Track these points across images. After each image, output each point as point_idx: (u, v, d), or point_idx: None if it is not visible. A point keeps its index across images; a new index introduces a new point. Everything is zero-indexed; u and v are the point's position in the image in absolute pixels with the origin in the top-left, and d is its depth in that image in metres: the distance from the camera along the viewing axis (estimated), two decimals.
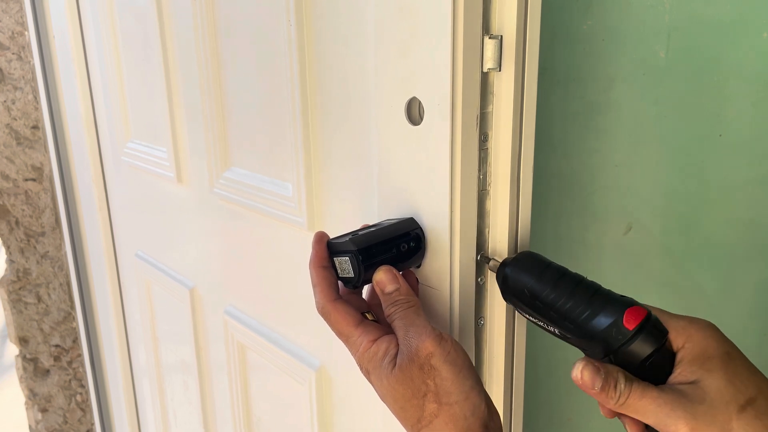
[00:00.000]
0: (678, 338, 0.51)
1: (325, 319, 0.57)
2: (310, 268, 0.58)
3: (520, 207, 0.60)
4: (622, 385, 0.49)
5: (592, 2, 1.01)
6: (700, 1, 0.92)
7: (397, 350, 0.54)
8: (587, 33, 1.02)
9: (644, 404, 0.48)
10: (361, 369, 0.57)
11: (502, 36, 0.56)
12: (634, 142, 1.02)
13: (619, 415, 0.53)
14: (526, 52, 0.57)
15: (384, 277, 0.57)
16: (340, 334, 0.57)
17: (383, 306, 0.57)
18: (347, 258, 0.56)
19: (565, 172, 1.04)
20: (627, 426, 0.54)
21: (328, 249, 0.59)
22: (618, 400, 0.49)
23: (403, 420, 0.54)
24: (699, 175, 0.98)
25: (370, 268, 0.56)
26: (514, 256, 0.57)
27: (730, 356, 0.49)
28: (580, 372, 0.50)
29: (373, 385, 0.56)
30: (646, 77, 0.99)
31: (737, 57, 0.92)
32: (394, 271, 0.57)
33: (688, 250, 1.01)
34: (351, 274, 0.56)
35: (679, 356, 0.51)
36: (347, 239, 0.56)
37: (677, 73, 0.96)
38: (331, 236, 0.59)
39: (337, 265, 0.57)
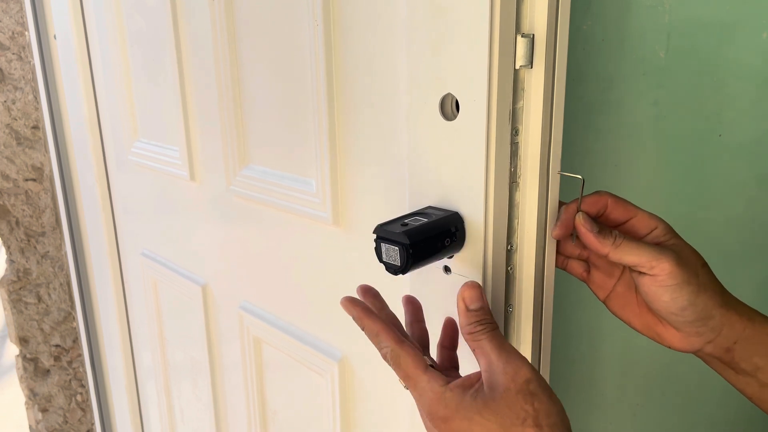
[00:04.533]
0: (650, 222, 0.64)
1: (393, 363, 0.56)
2: (363, 321, 0.57)
3: (549, 199, 0.63)
4: (617, 232, 0.61)
5: (591, 2, 1.02)
6: (700, 1, 0.94)
7: (480, 382, 0.54)
8: (587, 33, 1.04)
9: (636, 245, 0.60)
10: (432, 418, 0.54)
11: (533, 35, 0.58)
12: (634, 142, 1.03)
13: (567, 260, 0.68)
14: (556, 49, 0.59)
15: (470, 294, 0.56)
16: (407, 378, 0.56)
17: (463, 323, 0.56)
18: (397, 249, 0.58)
19: (565, 172, 1.06)
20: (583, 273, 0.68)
21: (378, 233, 0.60)
22: (615, 240, 0.60)
23: None
24: (699, 175, 1.00)
25: (416, 259, 0.58)
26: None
27: (682, 239, 0.64)
28: (581, 218, 0.61)
29: (453, 430, 0.53)
30: (646, 77, 1.00)
31: (737, 57, 0.93)
32: (480, 287, 0.57)
33: None
34: (397, 263, 0.58)
35: (654, 233, 0.64)
36: (400, 230, 0.58)
37: (677, 73, 0.97)
38: (356, 230, 0.60)
39: (383, 250, 0.59)
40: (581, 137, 1.07)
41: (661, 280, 0.59)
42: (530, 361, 0.66)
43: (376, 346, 0.57)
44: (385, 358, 0.57)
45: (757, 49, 0.92)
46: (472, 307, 0.56)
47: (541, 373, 0.68)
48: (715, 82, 0.96)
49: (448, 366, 0.62)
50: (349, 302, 0.58)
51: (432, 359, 0.59)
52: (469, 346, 0.56)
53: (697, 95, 0.97)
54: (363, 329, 0.58)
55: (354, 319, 0.58)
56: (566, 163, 1.05)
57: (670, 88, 0.99)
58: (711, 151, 0.98)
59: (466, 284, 0.57)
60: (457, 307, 0.57)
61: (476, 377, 0.54)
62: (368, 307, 0.59)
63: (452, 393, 0.53)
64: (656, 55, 0.99)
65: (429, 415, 0.54)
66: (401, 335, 0.57)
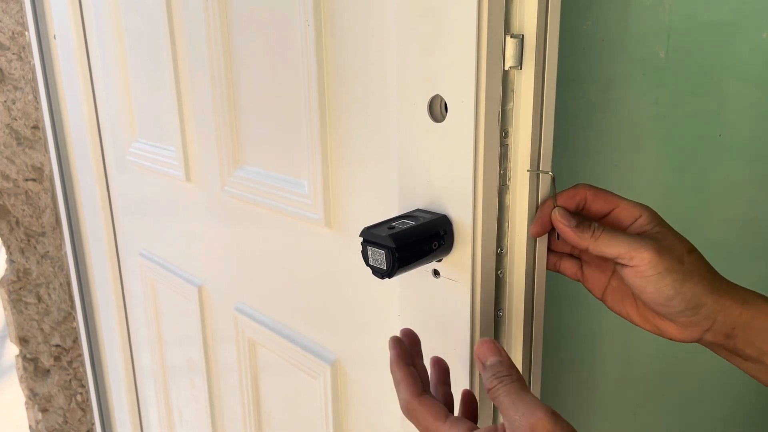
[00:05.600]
0: (634, 211, 0.62)
1: (410, 417, 0.55)
2: (392, 368, 0.56)
3: (539, 201, 0.62)
4: (596, 224, 0.59)
5: (592, 2, 1.02)
6: (700, 1, 0.93)
7: None
8: (587, 33, 1.03)
9: (615, 236, 0.58)
10: None
11: (523, 35, 0.58)
12: (634, 142, 1.03)
13: (559, 261, 0.67)
14: (546, 50, 0.59)
15: (485, 349, 0.54)
16: (426, 431, 0.54)
17: (484, 379, 0.54)
18: (383, 252, 0.57)
19: (565, 172, 1.05)
20: (566, 269, 0.67)
21: (364, 237, 0.60)
22: (593, 233, 0.59)
23: None
24: (699, 175, 0.99)
25: (403, 263, 0.58)
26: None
27: (669, 226, 0.62)
28: (557, 214, 0.60)
29: None
30: (645, 77, 1.00)
31: (737, 57, 0.93)
32: (495, 342, 0.55)
33: None
34: (383, 267, 0.58)
35: (638, 222, 0.62)
36: (386, 234, 0.57)
37: (677, 73, 0.97)
38: (347, 231, 0.60)
39: (370, 254, 0.59)
40: (581, 137, 1.07)
41: (641, 271, 0.57)
42: (521, 366, 0.66)
43: (398, 395, 0.56)
44: (403, 410, 0.56)
45: (757, 49, 0.91)
46: (488, 362, 0.53)
47: (532, 376, 0.68)
48: (715, 82, 0.95)
49: (448, 401, 0.61)
50: (393, 344, 0.58)
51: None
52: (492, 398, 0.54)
53: (697, 95, 0.97)
54: (391, 373, 0.57)
55: (390, 359, 0.58)
56: (566, 163, 1.05)
57: (670, 88, 0.98)
58: (711, 151, 0.98)
59: (479, 342, 0.55)
60: (476, 365, 0.55)
61: (502, 429, 0.51)
62: (404, 354, 0.58)
63: None
64: (656, 55, 0.99)
65: None
66: (420, 388, 0.55)
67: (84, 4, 1.34)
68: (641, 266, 0.57)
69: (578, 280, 0.67)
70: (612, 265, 0.64)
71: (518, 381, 0.52)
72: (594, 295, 0.67)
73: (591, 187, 0.63)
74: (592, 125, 1.06)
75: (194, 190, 1.08)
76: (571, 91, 1.05)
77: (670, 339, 0.62)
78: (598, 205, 0.63)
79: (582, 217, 0.62)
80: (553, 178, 0.61)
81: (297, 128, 0.82)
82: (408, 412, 0.55)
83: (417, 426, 0.55)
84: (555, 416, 0.49)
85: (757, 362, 0.60)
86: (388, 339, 0.59)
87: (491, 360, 0.53)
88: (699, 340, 0.61)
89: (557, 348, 1.15)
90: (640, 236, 0.59)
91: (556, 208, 0.61)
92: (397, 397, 0.56)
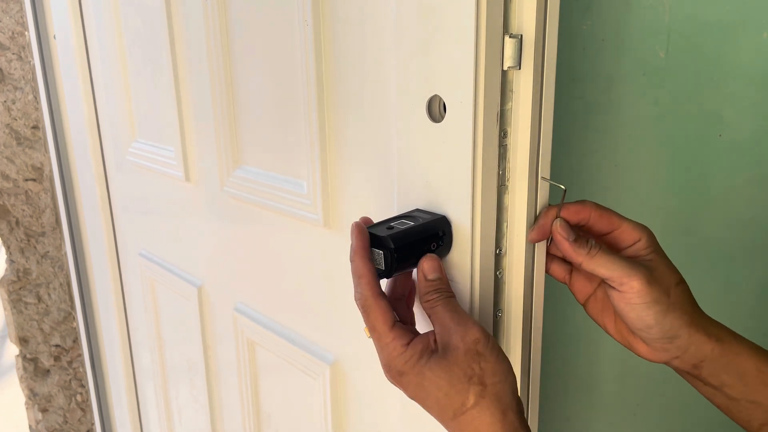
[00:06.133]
0: (634, 234, 0.63)
1: (363, 311, 0.58)
2: (354, 258, 0.58)
3: (539, 202, 0.62)
4: (593, 242, 0.60)
5: (592, 2, 1.02)
6: (700, 1, 0.93)
7: (435, 344, 0.57)
8: (587, 33, 1.03)
9: (610, 259, 0.60)
10: (389, 371, 0.57)
11: (522, 35, 0.58)
12: (634, 142, 1.03)
13: (550, 263, 0.67)
14: (545, 50, 0.59)
15: (429, 265, 0.58)
16: (373, 329, 0.58)
17: (421, 292, 0.59)
18: (382, 253, 0.57)
19: (565, 172, 1.05)
20: (554, 271, 0.68)
21: None
22: (590, 251, 0.60)
23: (444, 407, 0.55)
24: (699, 175, 0.99)
25: (401, 263, 0.58)
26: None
27: (664, 253, 0.63)
28: (558, 225, 0.61)
29: (405, 384, 0.57)
30: (645, 77, 1.00)
31: (737, 57, 0.93)
32: (440, 261, 0.59)
33: (688, 250, 1.02)
34: (382, 267, 0.58)
35: (636, 245, 0.63)
36: (385, 234, 0.57)
37: (677, 73, 0.97)
38: (346, 232, 0.60)
39: None
40: (581, 137, 1.07)
41: (628, 298, 0.60)
42: (520, 366, 0.66)
43: (354, 285, 0.59)
44: (356, 300, 0.58)
45: (757, 49, 0.91)
46: (430, 277, 0.58)
47: (531, 377, 0.68)
48: (715, 82, 0.95)
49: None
50: (358, 233, 0.59)
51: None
52: (426, 312, 0.58)
53: (697, 95, 0.97)
54: (351, 262, 0.59)
55: (351, 248, 0.59)
56: (566, 163, 1.05)
57: (670, 88, 0.98)
58: (711, 151, 0.98)
59: (426, 256, 0.59)
60: (417, 276, 0.59)
61: (434, 338, 0.57)
62: (369, 247, 0.59)
63: (412, 351, 0.56)
64: (656, 55, 0.99)
65: (387, 366, 0.58)
66: (380, 288, 0.58)
67: (84, 4, 1.34)
68: (629, 293, 0.59)
69: (565, 283, 0.69)
70: (600, 278, 0.66)
71: (453, 297, 0.58)
72: (577, 299, 0.69)
73: (597, 206, 0.64)
74: (592, 125, 1.06)
75: (194, 190, 1.08)
76: (571, 91, 1.05)
77: (639, 356, 0.65)
78: (601, 226, 0.64)
79: (581, 232, 0.63)
80: (564, 191, 0.62)
81: (296, 128, 0.81)
82: (362, 307, 0.58)
83: (365, 321, 0.58)
84: (487, 333, 0.56)
85: (716, 389, 0.63)
86: (350, 225, 0.60)
87: (434, 275, 0.58)
88: (666, 363, 0.64)
89: (557, 348, 1.15)
90: (634, 262, 0.61)
91: (558, 219, 0.62)
92: (366, 323, 0.58)
